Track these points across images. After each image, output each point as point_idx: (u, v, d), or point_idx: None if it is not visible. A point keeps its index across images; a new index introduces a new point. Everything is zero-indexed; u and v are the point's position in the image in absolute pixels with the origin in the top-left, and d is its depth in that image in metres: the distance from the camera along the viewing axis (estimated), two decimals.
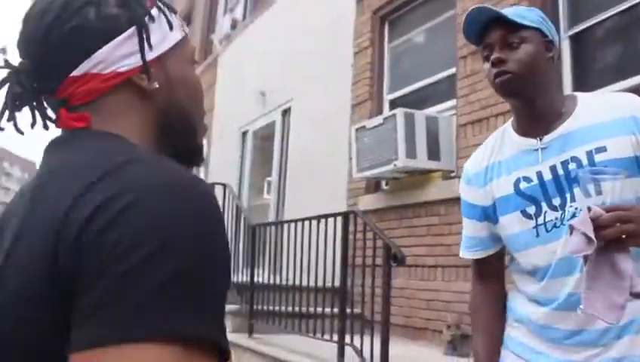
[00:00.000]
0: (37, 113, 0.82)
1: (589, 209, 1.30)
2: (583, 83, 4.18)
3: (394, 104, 6.03)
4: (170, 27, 0.84)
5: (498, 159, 1.60)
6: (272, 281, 5.24)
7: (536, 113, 1.54)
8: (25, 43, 0.80)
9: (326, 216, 4.36)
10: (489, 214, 1.61)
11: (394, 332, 4.92)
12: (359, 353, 3.56)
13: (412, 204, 5.28)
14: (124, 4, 0.80)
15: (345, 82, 6.66)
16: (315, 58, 7.45)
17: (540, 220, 1.51)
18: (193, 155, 0.90)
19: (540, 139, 1.53)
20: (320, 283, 4.48)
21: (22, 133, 0.81)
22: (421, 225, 5.15)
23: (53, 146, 0.79)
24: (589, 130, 1.48)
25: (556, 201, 1.49)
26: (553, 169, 1.50)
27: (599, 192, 1.32)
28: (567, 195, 1.48)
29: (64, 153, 0.76)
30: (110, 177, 0.65)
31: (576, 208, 1.45)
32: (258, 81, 8.83)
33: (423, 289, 4.97)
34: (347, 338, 3.79)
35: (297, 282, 4.75)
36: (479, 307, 1.74)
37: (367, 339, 3.56)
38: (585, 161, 1.46)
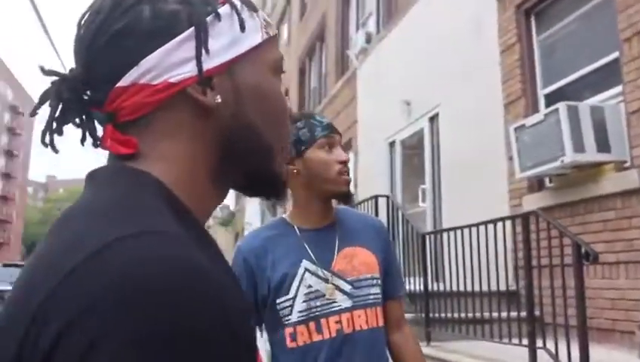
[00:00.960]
0: (86, 129, 0.69)
1: None
2: None
3: (550, 98, 5.82)
4: (242, 28, 0.68)
5: None
6: (442, 288, 5.24)
7: None
8: (75, 49, 0.68)
9: (502, 219, 4.31)
10: None
11: (575, 334, 4.75)
12: (554, 357, 3.47)
13: (583, 199, 5.06)
14: (186, 0, 0.66)
15: (493, 82, 6.54)
16: (458, 61, 7.39)
17: None
18: (269, 185, 0.74)
19: None
20: (494, 288, 4.44)
21: (56, 152, 0.69)
22: (595, 221, 4.91)
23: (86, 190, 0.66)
24: None
25: None
26: None
27: None
28: None
29: (68, 213, 0.62)
30: (88, 266, 0.50)
31: None
32: (401, 90, 8.90)
33: (605, 288, 4.73)
34: (538, 343, 3.71)
35: (467, 288, 4.72)
36: None
37: (557, 343, 3.47)
38: None
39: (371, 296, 1.74)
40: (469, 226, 4.68)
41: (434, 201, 7.94)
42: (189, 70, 0.64)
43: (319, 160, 1.72)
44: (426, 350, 4.75)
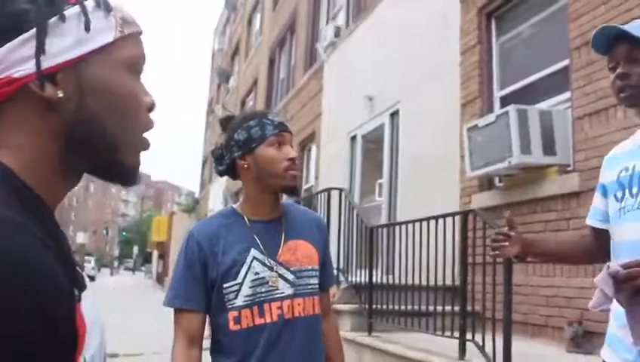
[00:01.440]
0: None
1: (608, 267, 1.48)
2: None
3: (505, 101, 5.97)
4: (87, 29, 0.72)
5: (617, 152, 1.87)
6: (389, 281, 5.35)
7: None
8: None
9: (444, 216, 4.42)
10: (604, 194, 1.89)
11: (514, 329, 4.90)
12: (481, 349, 3.60)
13: (527, 200, 5.22)
14: (36, 0, 0.70)
15: (453, 82, 6.67)
16: (420, 60, 7.51)
17: (622, 204, 1.74)
18: (120, 175, 0.80)
19: None
20: (440, 282, 4.57)
21: None
22: (537, 221, 5.08)
23: None
24: None
25: (634, 190, 1.70)
26: None
27: None
28: None
29: None
30: None
31: None
32: (364, 85, 9.00)
33: (542, 285, 4.90)
34: (468, 336, 3.84)
35: (414, 281, 4.84)
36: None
37: (488, 336, 3.61)
38: None
39: (310, 286, 1.88)
40: (414, 221, 4.79)
41: (390, 196, 8.06)
42: (31, 67, 0.69)
43: (268, 156, 1.83)
44: (367, 340, 4.88)
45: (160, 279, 35.35)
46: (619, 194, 1.77)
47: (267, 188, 1.86)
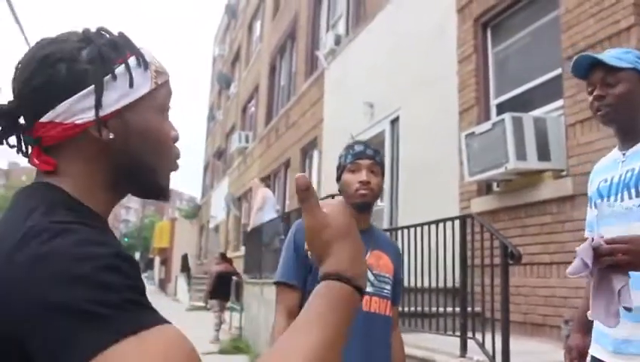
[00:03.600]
0: (20, 145, 0.95)
1: (592, 239, 1.71)
2: None
3: (501, 108, 6.20)
4: (131, 85, 0.92)
5: (599, 166, 2.15)
6: None
7: (624, 135, 2.00)
8: (13, 86, 0.93)
9: (444, 221, 4.64)
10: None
11: (513, 328, 5.10)
12: (481, 346, 3.82)
13: (524, 204, 5.44)
14: (94, 61, 0.90)
15: (451, 89, 6.89)
16: (420, 67, 7.74)
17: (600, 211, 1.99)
18: (157, 194, 1.01)
19: (624, 154, 1.99)
20: (441, 284, 4.78)
21: (11, 147, 0.95)
22: (534, 224, 5.30)
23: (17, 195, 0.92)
24: None
25: (612, 198, 1.96)
26: (620, 175, 1.96)
27: (638, 195, 1.85)
28: (620, 195, 1.94)
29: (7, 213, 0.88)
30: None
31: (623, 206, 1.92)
32: (365, 92, 9.23)
33: (540, 286, 5.12)
34: (469, 334, 4.06)
35: (417, 283, 5.04)
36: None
37: (488, 335, 3.83)
38: (637, 170, 1.89)
39: (385, 291, 2.23)
40: (415, 226, 5.01)
41: (391, 201, 8.28)
42: (90, 115, 0.89)
43: (345, 181, 2.27)
44: None
45: (163, 285, 35.38)
46: (598, 202, 2.02)
47: (349, 205, 2.20)
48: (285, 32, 15.90)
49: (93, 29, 0.96)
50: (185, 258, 27.64)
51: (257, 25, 21.00)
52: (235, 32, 26.41)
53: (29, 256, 0.74)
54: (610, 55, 1.96)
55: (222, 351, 9.44)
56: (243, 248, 13.67)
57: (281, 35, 16.36)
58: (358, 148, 2.31)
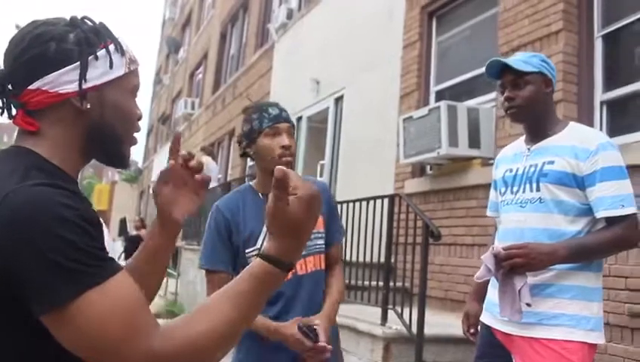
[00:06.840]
0: (6, 107, 1.10)
1: (493, 248, 2.05)
2: (613, 81, 4.58)
3: (440, 95, 6.48)
4: (111, 66, 1.10)
5: (506, 154, 2.42)
6: None
7: (531, 132, 2.26)
8: (4, 58, 1.09)
9: (374, 198, 4.90)
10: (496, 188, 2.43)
11: (435, 304, 5.47)
12: (399, 316, 4.12)
13: (453, 188, 5.77)
14: (80, 43, 1.07)
15: (394, 73, 7.13)
16: (367, 49, 7.94)
17: (503, 198, 2.29)
18: (119, 161, 1.19)
19: (529, 149, 2.25)
20: (368, 259, 5.05)
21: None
22: (461, 208, 5.63)
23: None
24: (553, 148, 2.16)
25: (515, 188, 2.23)
26: (524, 168, 2.22)
27: (538, 189, 2.13)
28: (522, 186, 2.21)
29: None
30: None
31: (525, 197, 2.20)
32: (313, 69, 9.38)
33: (461, 265, 5.47)
34: (390, 306, 4.35)
35: (346, 257, 5.29)
36: None
37: (407, 308, 4.13)
38: (539, 167, 2.15)
39: (318, 246, 2.22)
40: (347, 202, 5.26)
41: (330, 177, 8.52)
42: (73, 87, 1.07)
43: (264, 146, 2.14)
44: None
45: None
46: (502, 190, 2.29)
47: (270, 171, 2.24)
48: (238, 1, 15.79)
49: (78, 17, 1.14)
50: (123, 221, 27.31)
51: None
52: None
53: (6, 213, 0.90)
54: (517, 59, 2.21)
55: (156, 316, 9.55)
56: None
57: (233, 3, 16.22)
58: (274, 111, 2.20)
